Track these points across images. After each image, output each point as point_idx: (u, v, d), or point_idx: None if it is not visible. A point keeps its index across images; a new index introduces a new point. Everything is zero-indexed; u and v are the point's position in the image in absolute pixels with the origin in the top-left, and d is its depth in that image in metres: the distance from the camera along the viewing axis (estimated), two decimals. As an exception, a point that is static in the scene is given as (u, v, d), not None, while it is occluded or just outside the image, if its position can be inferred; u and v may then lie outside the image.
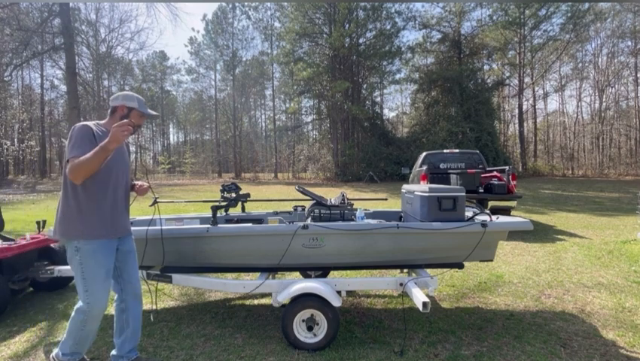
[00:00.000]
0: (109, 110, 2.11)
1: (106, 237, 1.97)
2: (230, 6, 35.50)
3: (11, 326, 2.95)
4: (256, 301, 3.40)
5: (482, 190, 6.59)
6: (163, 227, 2.73)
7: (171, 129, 53.21)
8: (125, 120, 1.84)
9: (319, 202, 3.14)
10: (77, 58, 18.28)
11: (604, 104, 30.41)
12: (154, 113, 2.21)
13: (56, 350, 2.16)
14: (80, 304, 2.03)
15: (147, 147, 48.67)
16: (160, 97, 44.03)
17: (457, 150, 8.39)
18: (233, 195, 2.89)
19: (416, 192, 2.91)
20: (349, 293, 3.49)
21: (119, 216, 2.07)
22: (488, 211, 2.85)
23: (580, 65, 31.36)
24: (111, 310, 3.27)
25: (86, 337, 2.08)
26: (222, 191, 2.89)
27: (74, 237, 1.88)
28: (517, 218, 2.93)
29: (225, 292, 3.56)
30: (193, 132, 52.60)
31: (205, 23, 37.24)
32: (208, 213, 2.99)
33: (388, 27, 27.36)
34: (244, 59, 39.81)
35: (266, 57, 37.92)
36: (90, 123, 1.98)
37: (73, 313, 2.06)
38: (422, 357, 2.37)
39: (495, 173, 6.95)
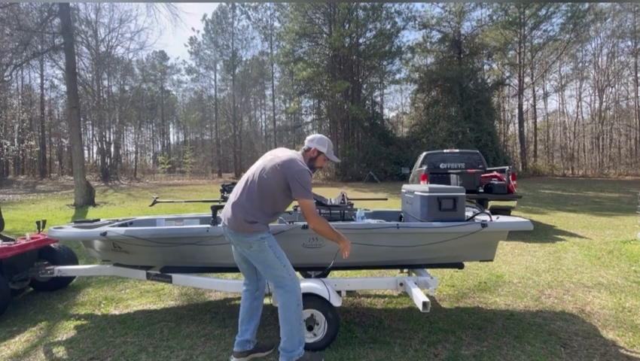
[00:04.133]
0: (304, 148, 2.41)
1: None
2: (230, 6, 35.51)
3: (11, 326, 2.95)
4: (256, 301, 3.40)
5: (482, 190, 6.59)
6: (164, 227, 2.73)
7: (171, 129, 53.19)
8: (348, 248, 2.27)
9: (319, 202, 3.13)
10: (77, 58, 18.23)
11: (604, 104, 30.45)
12: (337, 160, 2.53)
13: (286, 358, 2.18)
14: (285, 287, 2.19)
15: (147, 147, 48.70)
16: (160, 97, 43.98)
17: (457, 150, 8.39)
18: (233, 195, 2.89)
19: (416, 192, 2.91)
20: (349, 293, 3.48)
21: None
22: (488, 211, 2.85)
23: (580, 65, 31.41)
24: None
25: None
26: (222, 191, 2.89)
27: (260, 230, 2.17)
28: (517, 218, 2.93)
29: (225, 292, 3.56)
30: (193, 132, 52.52)
31: (205, 23, 37.25)
32: (208, 213, 2.99)
33: (388, 27, 27.41)
34: (244, 59, 39.85)
35: (266, 57, 37.92)
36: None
37: (283, 304, 2.18)
38: (422, 357, 2.37)
39: (495, 173, 6.95)
